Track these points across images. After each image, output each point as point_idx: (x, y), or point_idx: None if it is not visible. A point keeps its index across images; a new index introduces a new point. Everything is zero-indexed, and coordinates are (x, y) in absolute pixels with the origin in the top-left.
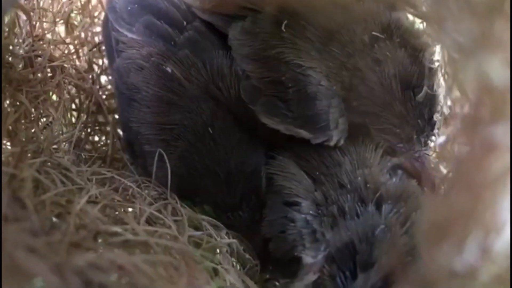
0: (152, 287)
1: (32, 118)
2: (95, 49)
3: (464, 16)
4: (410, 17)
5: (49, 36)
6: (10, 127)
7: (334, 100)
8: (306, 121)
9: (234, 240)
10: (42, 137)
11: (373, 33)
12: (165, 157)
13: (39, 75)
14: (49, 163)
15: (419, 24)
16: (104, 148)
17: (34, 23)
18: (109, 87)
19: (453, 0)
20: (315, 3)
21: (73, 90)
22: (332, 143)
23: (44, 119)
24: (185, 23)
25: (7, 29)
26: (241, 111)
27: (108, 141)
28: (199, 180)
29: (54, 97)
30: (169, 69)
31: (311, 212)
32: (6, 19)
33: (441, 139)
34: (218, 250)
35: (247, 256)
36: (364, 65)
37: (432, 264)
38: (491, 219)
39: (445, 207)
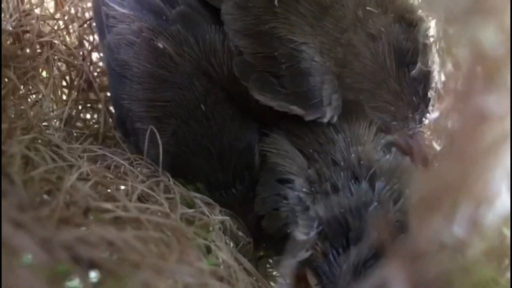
0: (143, 263)
1: (21, 95)
2: (85, 25)
3: None
4: None
5: (37, 11)
6: None
7: (328, 77)
8: (299, 97)
9: (227, 217)
10: (31, 114)
11: (367, 7)
12: (157, 134)
13: (27, 50)
14: (39, 140)
15: None
16: (95, 126)
17: None
18: (100, 64)
19: None
20: None
21: (64, 67)
22: (325, 120)
23: (34, 96)
24: None
25: None
26: (234, 88)
27: (100, 119)
28: (192, 157)
29: (44, 73)
30: (160, 45)
31: (304, 189)
32: None
33: (435, 115)
34: (211, 228)
35: (240, 233)
36: (358, 41)
37: (422, 237)
38: (482, 191)
39: (435, 179)
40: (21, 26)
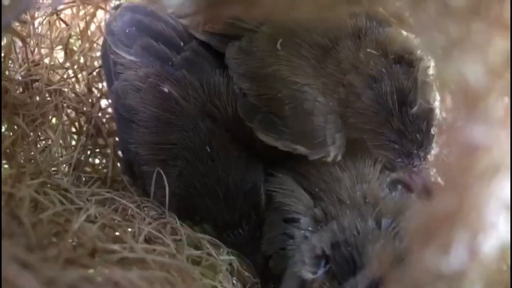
0: None
1: (30, 141)
2: (94, 73)
3: (443, 20)
4: (404, 32)
5: (46, 61)
6: (8, 150)
7: (331, 116)
8: (303, 137)
9: (234, 258)
10: (40, 159)
11: (368, 50)
12: (164, 176)
13: (37, 98)
14: (48, 184)
15: (413, 39)
16: (104, 170)
17: (31, 49)
18: (109, 110)
19: (432, 4)
20: (309, 21)
21: (73, 114)
22: (329, 159)
23: (43, 142)
24: (182, 43)
25: (3, 54)
26: (238, 129)
27: (108, 164)
28: (198, 199)
29: (53, 120)
30: (166, 89)
31: (310, 228)
32: (3, 41)
33: (436, 149)
34: (218, 269)
35: (248, 274)
36: (360, 82)
37: (419, 266)
38: (477, 220)
39: (431, 209)
40: (30, 75)
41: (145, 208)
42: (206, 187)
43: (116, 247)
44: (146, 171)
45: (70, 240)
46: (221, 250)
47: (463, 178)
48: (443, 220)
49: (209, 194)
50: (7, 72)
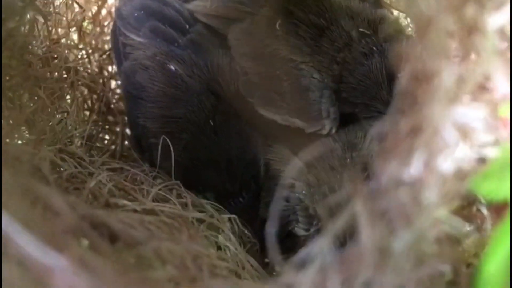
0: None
1: (49, 112)
2: (105, 55)
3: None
4: (395, 12)
5: (63, 41)
6: (29, 119)
7: (326, 91)
8: (300, 111)
9: (234, 216)
10: (58, 129)
11: (360, 29)
12: (171, 147)
13: (55, 74)
14: (64, 152)
15: (403, 19)
16: (112, 146)
17: (50, 28)
18: (118, 91)
19: None
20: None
21: (86, 92)
22: (325, 132)
23: (59, 115)
24: (187, 26)
25: (26, 29)
26: (240, 105)
27: (117, 140)
28: (202, 169)
29: (68, 96)
30: (172, 67)
31: (303, 191)
32: (25, 18)
33: None
34: (220, 230)
35: (247, 232)
36: (352, 59)
37: (383, 176)
38: (434, 141)
39: (395, 128)
40: (50, 52)
41: (152, 177)
42: (209, 158)
43: (126, 201)
44: (153, 143)
45: (87, 193)
46: (223, 214)
47: (422, 104)
48: (405, 139)
49: (212, 164)
50: (30, 47)
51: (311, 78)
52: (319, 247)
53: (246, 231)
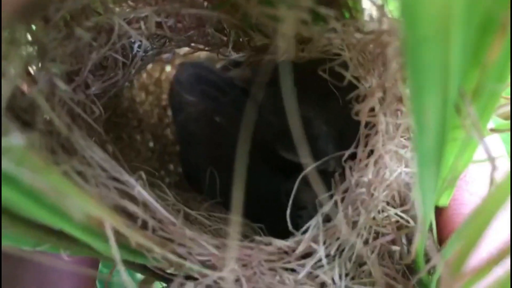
0: None
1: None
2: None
3: None
4: None
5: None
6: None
7: (330, 140)
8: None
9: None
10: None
11: None
12: (216, 176)
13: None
14: None
15: None
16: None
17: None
18: (170, 137)
19: None
20: None
21: (149, 136)
22: (330, 169)
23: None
24: (228, 89)
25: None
26: (265, 150)
27: (172, 175)
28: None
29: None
30: (217, 119)
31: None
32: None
33: None
34: None
35: None
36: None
37: (352, 179)
38: (380, 161)
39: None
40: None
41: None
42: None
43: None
44: (202, 176)
45: None
46: None
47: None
48: (365, 159)
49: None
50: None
51: (320, 129)
52: (314, 223)
53: None
